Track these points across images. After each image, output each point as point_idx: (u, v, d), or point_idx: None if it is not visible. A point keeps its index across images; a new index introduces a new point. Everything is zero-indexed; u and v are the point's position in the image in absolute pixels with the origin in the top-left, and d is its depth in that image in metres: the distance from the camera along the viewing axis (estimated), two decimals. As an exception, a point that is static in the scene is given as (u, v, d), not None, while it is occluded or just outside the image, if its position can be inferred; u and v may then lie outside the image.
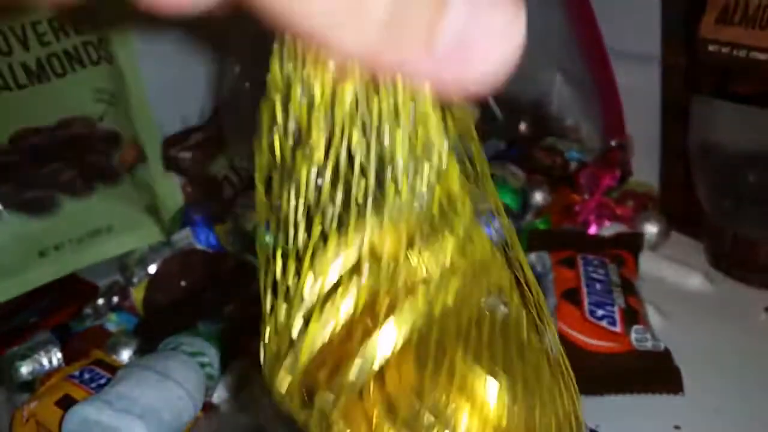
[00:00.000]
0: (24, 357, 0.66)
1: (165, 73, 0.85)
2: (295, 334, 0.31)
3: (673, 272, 0.74)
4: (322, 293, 0.31)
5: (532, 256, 0.72)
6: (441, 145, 0.30)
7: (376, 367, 0.30)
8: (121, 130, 0.79)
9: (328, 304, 0.31)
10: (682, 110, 0.78)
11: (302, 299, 0.31)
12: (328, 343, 0.31)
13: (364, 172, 0.29)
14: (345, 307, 0.31)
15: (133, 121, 0.81)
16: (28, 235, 0.73)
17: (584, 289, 0.63)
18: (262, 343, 0.34)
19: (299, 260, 0.30)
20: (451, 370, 0.32)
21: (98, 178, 0.77)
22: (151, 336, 0.67)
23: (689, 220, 0.80)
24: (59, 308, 0.74)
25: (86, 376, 0.61)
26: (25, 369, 0.65)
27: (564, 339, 0.60)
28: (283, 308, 0.31)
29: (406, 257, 0.30)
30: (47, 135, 0.74)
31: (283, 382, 0.32)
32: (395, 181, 0.30)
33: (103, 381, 0.60)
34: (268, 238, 0.31)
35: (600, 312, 0.61)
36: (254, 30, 0.66)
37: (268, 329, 0.33)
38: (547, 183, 0.87)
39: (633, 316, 0.62)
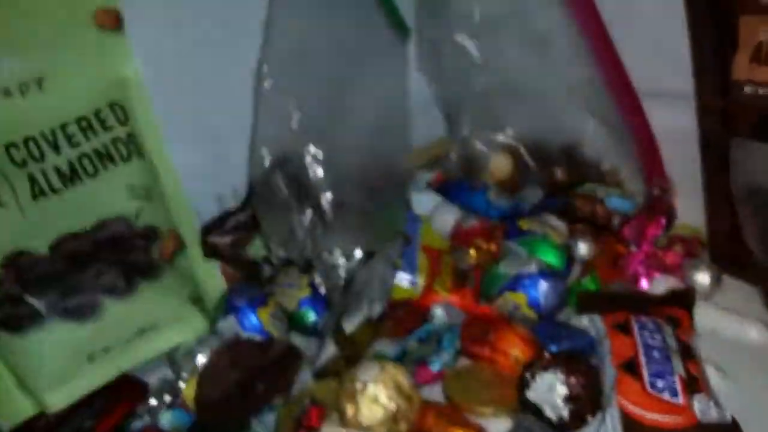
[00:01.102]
0: (83, 464, 0.68)
1: (195, 158, 0.87)
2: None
3: (730, 323, 0.74)
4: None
5: (584, 320, 0.72)
6: None
7: None
8: (159, 223, 0.81)
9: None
10: (722, 152, 0.78)
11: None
12: None
13: None
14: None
15: (170, 212, 0.83)
16: (76, 341, 0.75)
17: (642, 359, 0.63)
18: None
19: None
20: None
21: (140, 275, 0.79)
22: (207, 433, 0.69)
23: (741, 264, 0.79)
24: (111, 410, 0.76)
25: (147, 482, 0.63)
26: (85, 476, 0.67)
27: (625, 414, 0.60)
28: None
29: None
30: (86, 239, 0.76)
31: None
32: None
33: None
34: None
35: (660, 383, 0.61)
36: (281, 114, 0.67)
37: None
38: (590, 233, 0.87)
39: (694, 383, 0.61)
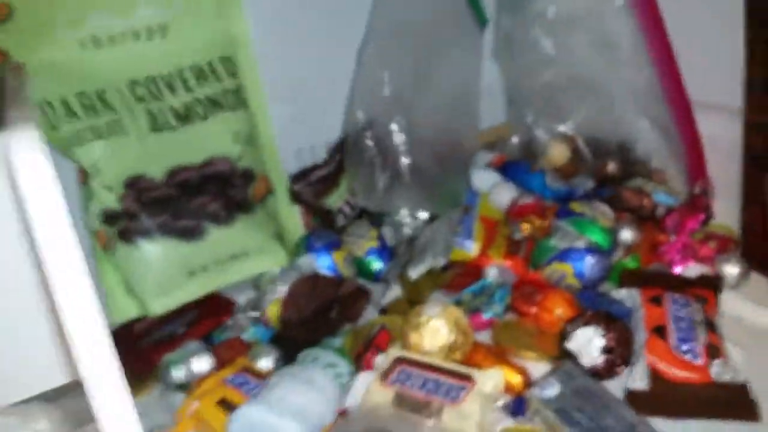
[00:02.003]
0: (179, 363, 0.79)
1: (282, 114, 0.98)
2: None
3: (752, 311, 0.83)
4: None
5: (623, 292, 0.82)
6: None
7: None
8: (255, 167, 0.93)
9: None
10: (762, 163, 0.87)
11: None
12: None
13: None
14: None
15: (264, 159, 0.95)
16: (180, 257, 0.87)
17: (671, 326, 0.73)
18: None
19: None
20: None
21: (238, 209, 0.91)
22: (286, 347, 0.80)
23: (768, 262, 0.89)
24: (201, 321, 0.88)
25: (238, 381, 0.74)
26: (179, 373, 0.78)
27: (652, 369, 0.71)
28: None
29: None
30: (195, 171, 0.88)
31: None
32: None
33: (251, 385, 0.73)
34: None
35: (685, 346, 0.71)
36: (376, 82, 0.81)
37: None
38: (635, 222, 0.97)
39: (714, 351, 0.71)
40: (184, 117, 0.88)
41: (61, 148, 0.83)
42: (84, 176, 0.85)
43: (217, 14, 0.89)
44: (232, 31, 0.91)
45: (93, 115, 0.83)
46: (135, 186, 0.85)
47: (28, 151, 0.52)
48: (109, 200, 0.84)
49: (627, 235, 0.93)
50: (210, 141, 0.90)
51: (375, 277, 0.95)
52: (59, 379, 0.72)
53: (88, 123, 0.83)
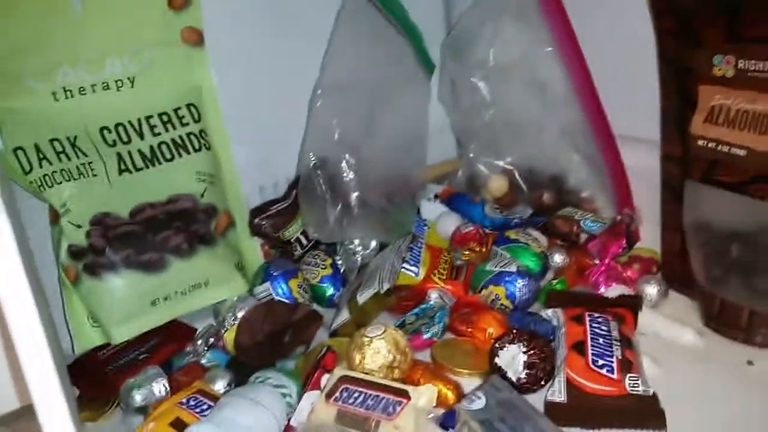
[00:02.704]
0: (139, 387, 0.79)
1: (246, 154, 1.00)
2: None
3: (669, 328, 0.85)
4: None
5: (549, 312, 0.84)
6: None
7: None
8: (217, 203, 0.94)
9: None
10: (677, 191, 0.89)
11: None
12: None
13: None
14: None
15: (226, 195, 0.96)
16: (144, 288, 0.88)
17: (589, 343, 0.75)
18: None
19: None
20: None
21: (199, 242, 0.92)
22: (240, 370, 0.81)
23: (686, 283, 0.91)
24: (163, 347, 0.89)
25: (192, 402, 0.75)
26: (139, 397, 0.79)
27: (571, 383, 0.72)
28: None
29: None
30: (160, 209, 0.90)
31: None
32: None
33: (205, 407, 0.74)
34: None
35: (601, 362, 0.73)
36: (326, 128, 0.83)
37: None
38: (565, 248, 0.99)
39: (628, 365, 0.73)
40: (151, 159, 0.90)
41: (33, 190, 0.84)
42: (55, 215, 0.86)
43: (184, 66, 0.91)
44: (198, 81, 0.93)
45: (65, 160, 0.84)
46: (101, 223, 0.86)
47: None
48: (77, 237, 0.85)
49: (557, 259, 0.96)
50: (175, 180, 0.91)
51: (329, 302, 0.96)
52: (13, 404, 0.73)
53: (60, 167, 0.84)
